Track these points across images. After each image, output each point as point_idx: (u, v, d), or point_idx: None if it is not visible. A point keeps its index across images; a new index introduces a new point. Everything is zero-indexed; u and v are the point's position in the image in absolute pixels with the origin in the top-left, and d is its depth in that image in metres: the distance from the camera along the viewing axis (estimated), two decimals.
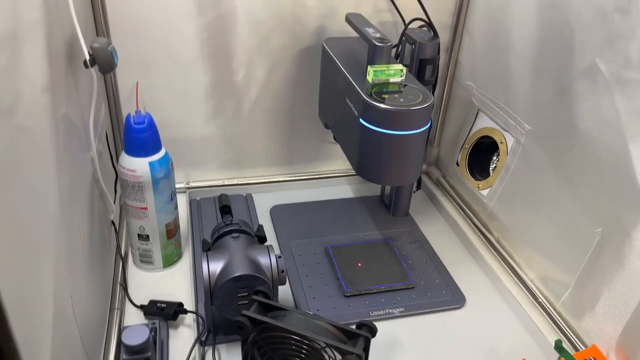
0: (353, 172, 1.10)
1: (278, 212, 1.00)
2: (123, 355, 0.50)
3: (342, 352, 0.55)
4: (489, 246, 0.92)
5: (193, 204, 1.00)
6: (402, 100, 0.68)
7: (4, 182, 0.39)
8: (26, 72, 0.46)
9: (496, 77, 0.91)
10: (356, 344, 0.56)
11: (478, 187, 0.98)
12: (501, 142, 0.92)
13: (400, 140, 0.68)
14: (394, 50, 0.92)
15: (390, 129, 0.66)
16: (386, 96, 0.68)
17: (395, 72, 0.72)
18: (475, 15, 0.96)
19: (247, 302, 0.69)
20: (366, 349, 0.56)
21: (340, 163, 1.11)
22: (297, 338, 0.57)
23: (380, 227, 0.97)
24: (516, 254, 0.88)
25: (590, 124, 0.70)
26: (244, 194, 1.04)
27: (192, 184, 1.04)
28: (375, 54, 0.72)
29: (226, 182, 1.04)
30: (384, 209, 1.02)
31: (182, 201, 0.98)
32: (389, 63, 0.73)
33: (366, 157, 0.71)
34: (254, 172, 1.06)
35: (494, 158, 0.98)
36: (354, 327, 0.58)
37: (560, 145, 0.77)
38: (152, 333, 0.54)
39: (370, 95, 0.68)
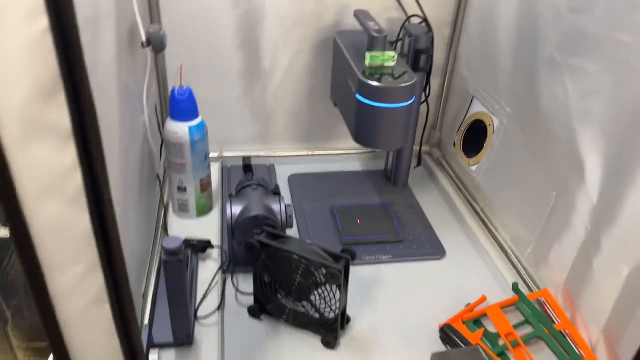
0: (362, 149, 1.27)
1: (295, 179, 1.17)
2: (163, 257, 0.68)
3: (326, 267, 0.71)
4: (474, 213, 1.06)
5: (224, 170, 1.18)
6: (389, 80, 0.83)
7: None
8: (103, 44, 0.65)
9: (486, 67, 1.06)
10: (338, 263, 0.72)
11: (469, 164, 1.12)
12: (489, 124, 1.06)
13: (388, 111, 0.83)
14: (398, 43, 1.07)
15: (379, 102, 0.82)
16: (377, 76, 0.84)
17: (388, 57, 0.87)
18: (470, 13, 1.11)
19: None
20: (346, 267, 0.73)
21: (352, 141, 1.26)
22: (295, 257, 0.73)
23: (380, 194, 1.12)
24: (494, 219, 1.03)
25: (550, 104, 0.85)
26: (268, 164, 1.22)
27: (224, 154, 1.22)
28: (372, 42, 0.87)
29: (252, 154, 1.22)
30: (386, 181, 1.17)
31: (215, 168, 1.16)
32: (384, 51, 0.88)
33: (361, 126, 0.87)
34: (277, 146, 1.24)
35: (485, 140, 1.12)
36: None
37: (529, 124, 0.91)
38: (186, 256, 0.72)
39: (364, 75, 0.84)
